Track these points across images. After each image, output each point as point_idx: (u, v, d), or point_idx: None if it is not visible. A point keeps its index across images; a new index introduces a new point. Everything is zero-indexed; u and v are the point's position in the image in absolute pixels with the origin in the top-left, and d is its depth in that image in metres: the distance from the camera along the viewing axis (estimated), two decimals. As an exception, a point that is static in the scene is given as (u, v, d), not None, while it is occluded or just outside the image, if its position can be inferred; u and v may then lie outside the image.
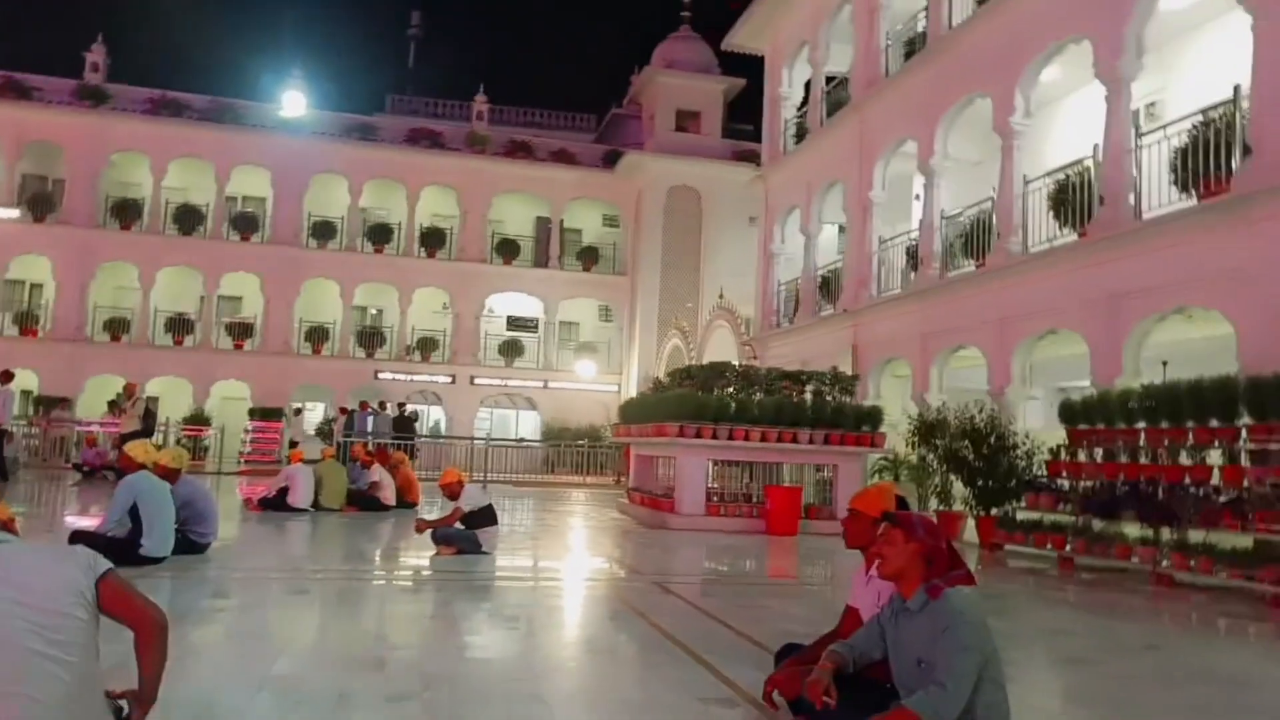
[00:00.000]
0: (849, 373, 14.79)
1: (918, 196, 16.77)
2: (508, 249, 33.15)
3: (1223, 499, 8.00)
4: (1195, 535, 8.16)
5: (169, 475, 7.04)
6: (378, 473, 11.94)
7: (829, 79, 20.49)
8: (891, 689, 3.10)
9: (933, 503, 11.89)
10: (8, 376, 15.10)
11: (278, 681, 4.11)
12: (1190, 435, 8.48)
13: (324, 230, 31.81)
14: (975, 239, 14.37)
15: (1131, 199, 11.14)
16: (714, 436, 11.80)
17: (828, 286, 19.73)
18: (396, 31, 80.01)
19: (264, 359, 30.26)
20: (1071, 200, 12.10)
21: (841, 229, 19.90)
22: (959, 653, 2.86)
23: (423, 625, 5.84)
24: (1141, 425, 9.05)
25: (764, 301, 22.81)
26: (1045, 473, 10.45)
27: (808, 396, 12.70)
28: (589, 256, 33.93)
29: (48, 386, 27.48)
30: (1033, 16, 13.18)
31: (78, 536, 6.60)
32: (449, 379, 31.77)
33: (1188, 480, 8.40)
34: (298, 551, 9.15)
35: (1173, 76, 13.07)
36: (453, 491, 8.34)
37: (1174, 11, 12.06)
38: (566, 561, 9.30)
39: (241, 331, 30.73)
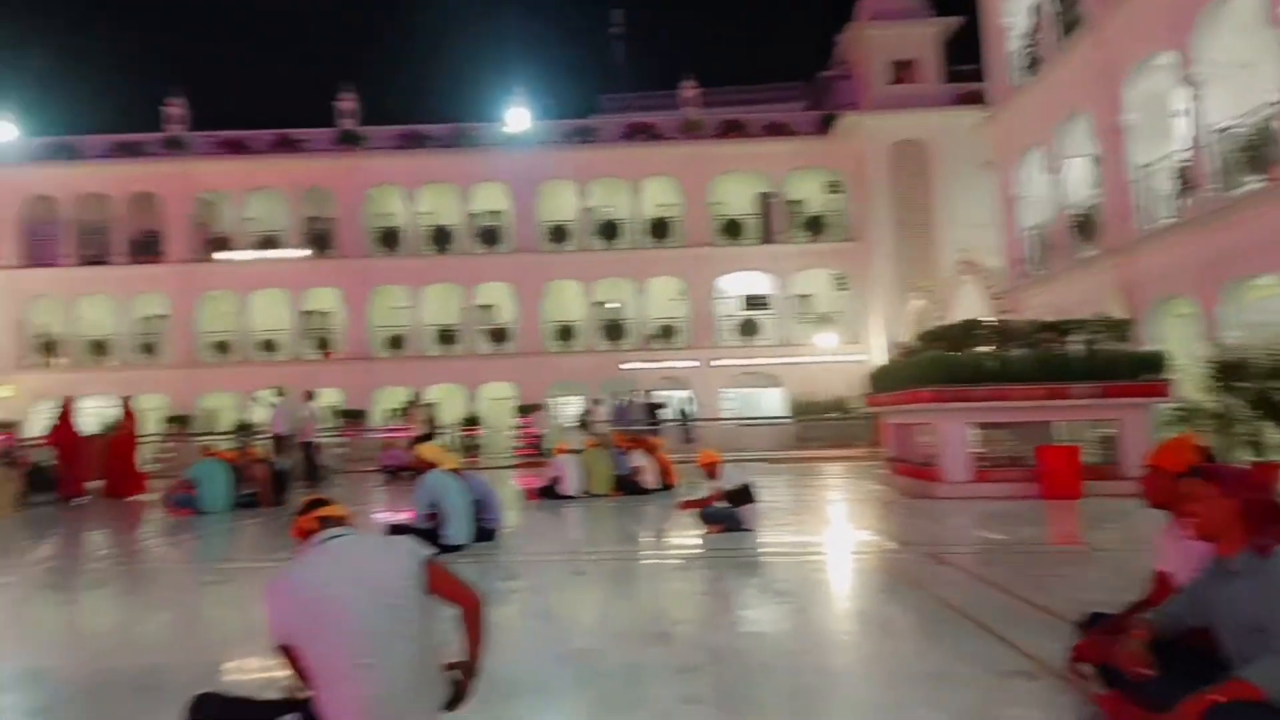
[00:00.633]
0: (1119, 317, 13.49)
1: (1180, 112, 14.97)
2: (732, 229, 33.29)
3: None
4: None
5: (452, 471, 7.79)
6: (639, 458, 12.46)
7: (1060, -1, 18.76)
8: (1214, 658, 2.85)
9: (1242, 453, 10.59)
10: (309, 395, 17.34)
11: (575, 655, 4.45)
12: None
13: (559, 234, 33.57)
14: (1260, 150, 12.61)
15: None
16: (973, 399, 11.23)
17: (1083, 226, 18.11)
18: (599, 32, 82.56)
19: (521, 360, 32.46)
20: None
21: (1092, 161, 18.16)
22: (1301, 617, 2.58)
23: (698, 601, 6.06)
24: None
25: (1010, 251, 21.34)
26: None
27: (1075, 347, 11.73)
28: (815, 227, 33.31)
29: (348, 401, 31.09)
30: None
31: (396, 529, 7.47)
32: (692, 363, 32.45)
33: None
34: (574, 535, 9.78)
35: None
36: (712, 471, 8.57)
37: None
38: (830, 535, 9.25)
39: (499, 337, 33.18)
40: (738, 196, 33.78)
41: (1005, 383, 11.29)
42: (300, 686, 2.82)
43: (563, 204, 33.53)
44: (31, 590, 7.09)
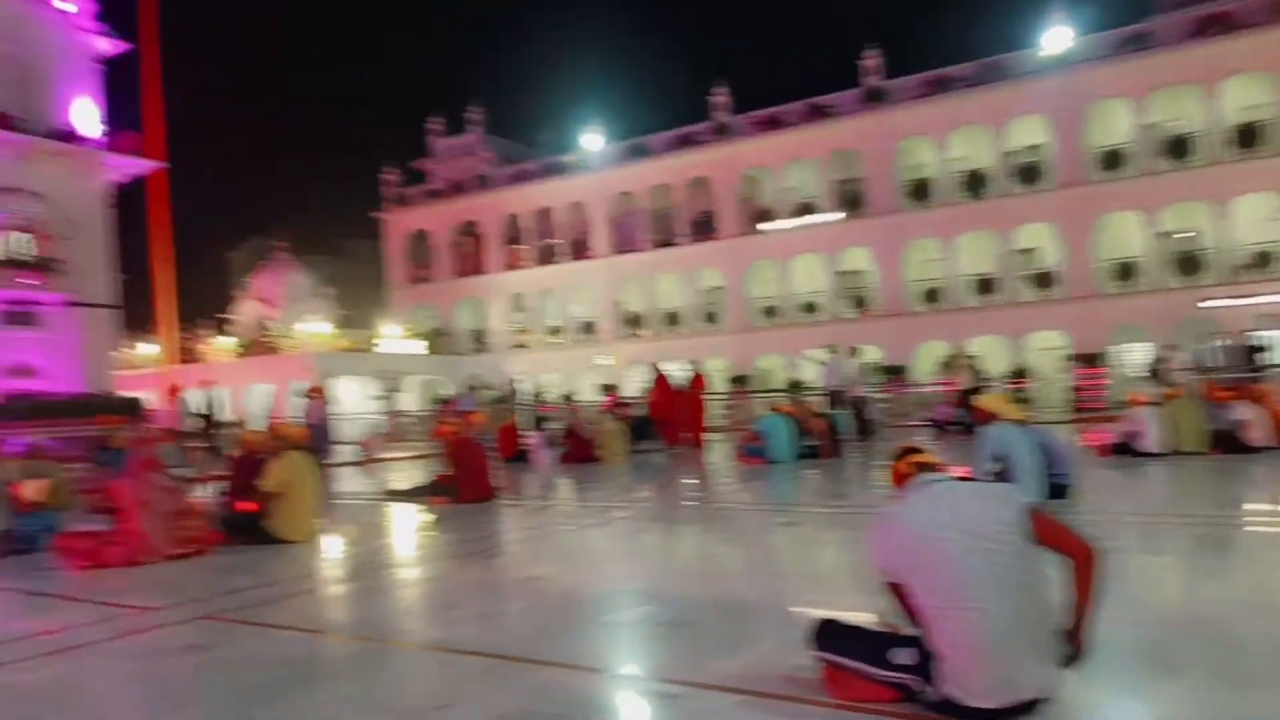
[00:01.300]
0: None
1: None
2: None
3: None
4: None
5: (1016, 424, 7.40)
6: (1243, 409, 10.57)
7: None
8: None
9: None
10: (853, 352, 17.97)
11: (1169, 622, 3.95)
12: None
13: (1112, 160, 29.79)
14: None
15: None
16: None
17: None
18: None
19: (1071, 306, 29.69)
20: None
21: None
22: None
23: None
24: None
25: None
26: None
27: None
28: None
29: (887, 357, 31.61)
30: None
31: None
32: (1299, 296, 26.51)
33: None
34: (1158, 494, 8.71)
35: None
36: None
37: None
38: None
39: (1043, 282, 30.74)
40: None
41: None
42: (907, 622, 2.96)
43: (1115, 125, 29.67)
44: (641, 522, 8.52)
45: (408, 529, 8.57)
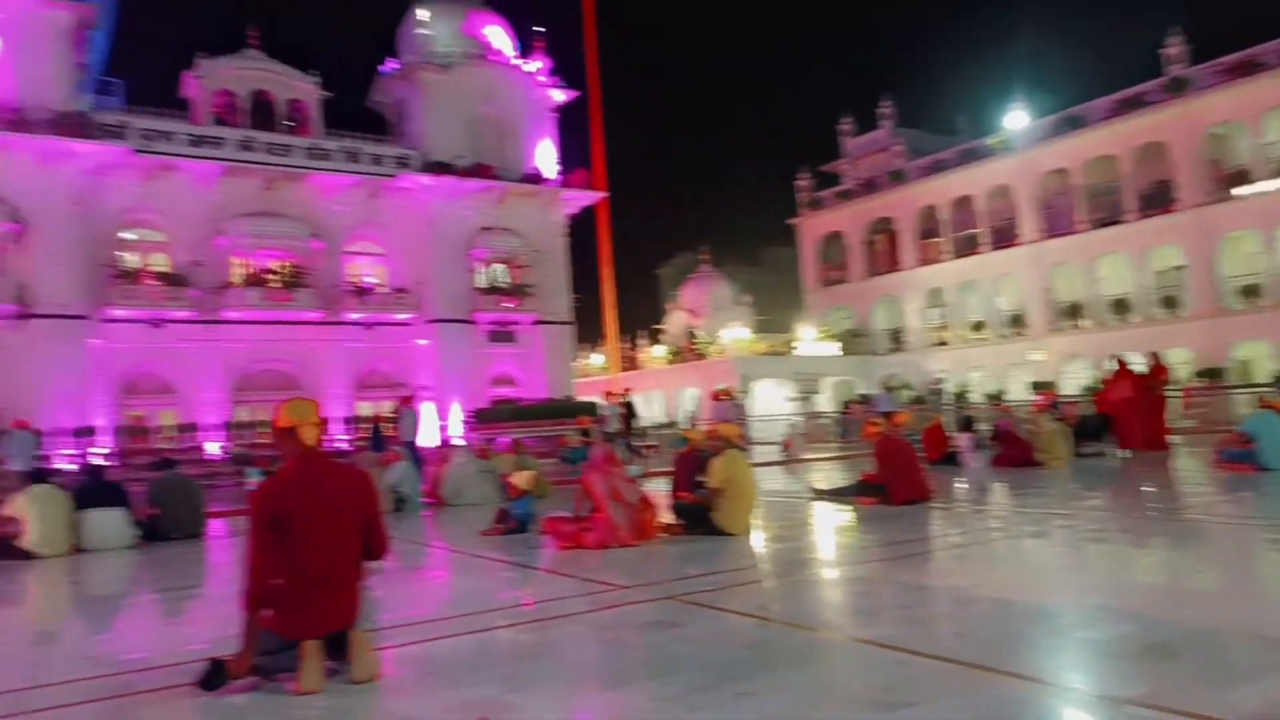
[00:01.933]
0: None
1: None
2: None
3: None
4: None
5: None
6: None
7: None
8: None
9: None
10: None
11: None
12: None
13: None
14: None
15: None
16: None
17: None
18: None
19: None
20: None
21: None
22: None
23: None
24: None
25: None
26: None
27: None
28: None
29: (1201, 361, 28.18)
30: None
31: None
32: None
33: None
34: None
35: None
36: None
37: None
38: None
39: None
40: None
41: None
42: None
43: None
44: (1091, 532, 7.60)
45: (836, 528, 8.62)
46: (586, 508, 7.63)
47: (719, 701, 3.33)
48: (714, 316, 42.59)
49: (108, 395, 25.29)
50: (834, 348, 41.37)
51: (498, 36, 32.76)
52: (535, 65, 32.99)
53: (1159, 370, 15.79)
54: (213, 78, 28.15)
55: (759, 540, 7.70)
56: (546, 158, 32.90)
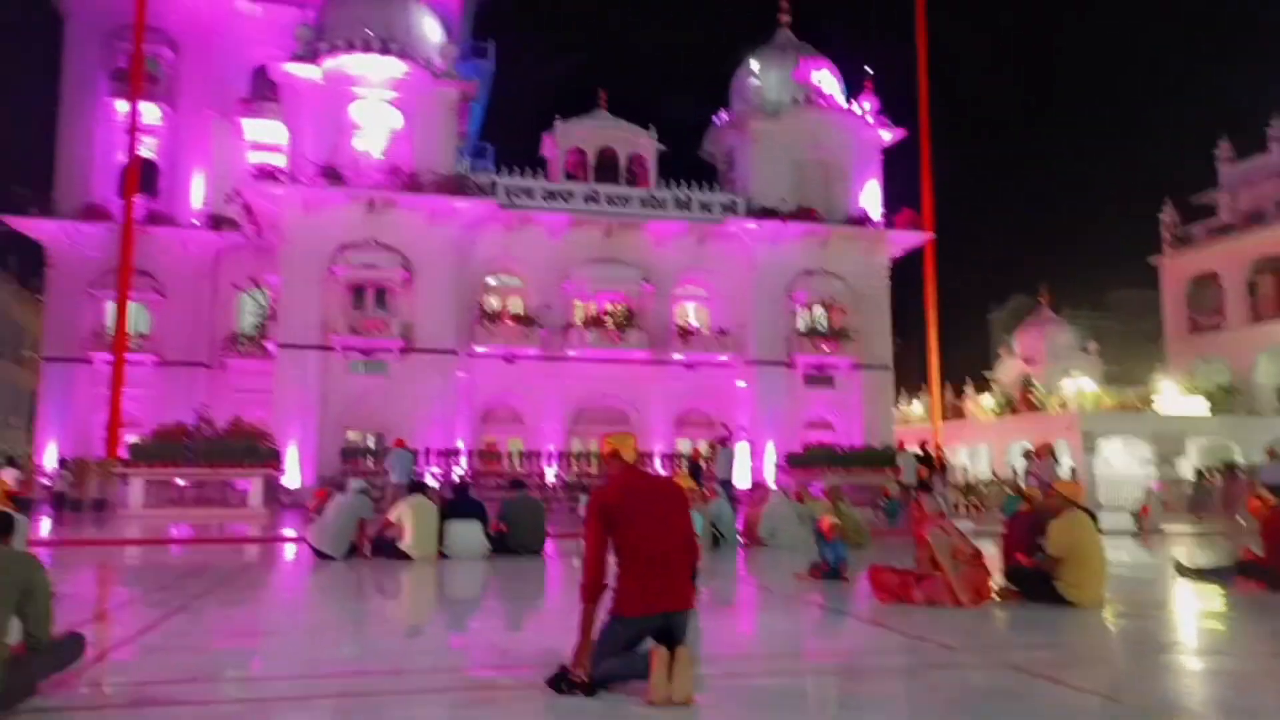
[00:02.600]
0: None
1: None
2: None
3: None
4: None
5: None
6: None
7: None
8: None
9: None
10: None
11: None
12: None
13: None
14: None
15: None
16: None
17: None
18: None
19: None
20: None
21: None
22: None
23: None
24: None
25: None
26: None
27: None
28: None
29: None
30: None
31: None
32: None
33: None
34: None
35: None
36: None
37: None
38: None
39: None
40: None
41: None
42: None
43: None
44: None
45: (1207, 611, 7.46)
46: (920, 562, 7.26)
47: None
48: (1053, 365, 39.03)
49: (468, 421, 28.66)
50: (1201, 405, 36.08)
51: (827, 81, 32.99)
52: (864, 106, 32.77)
53: None
54: (567, 138, 31.21)
55: (1110, 615, 6.89)
56: (872, 199, 32.43)
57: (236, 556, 12.22)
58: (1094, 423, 34.40)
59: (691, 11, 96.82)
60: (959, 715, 4.06)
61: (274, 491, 21.99)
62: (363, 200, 27.16)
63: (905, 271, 34.05)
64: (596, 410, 30.20)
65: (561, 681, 4.06)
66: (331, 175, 27.02)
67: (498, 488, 22.28)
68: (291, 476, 24.80)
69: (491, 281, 30.38)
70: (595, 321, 29.53)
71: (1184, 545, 14.17)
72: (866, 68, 33.31)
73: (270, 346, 27.81)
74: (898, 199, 32.98)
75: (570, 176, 30.69)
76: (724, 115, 33.45)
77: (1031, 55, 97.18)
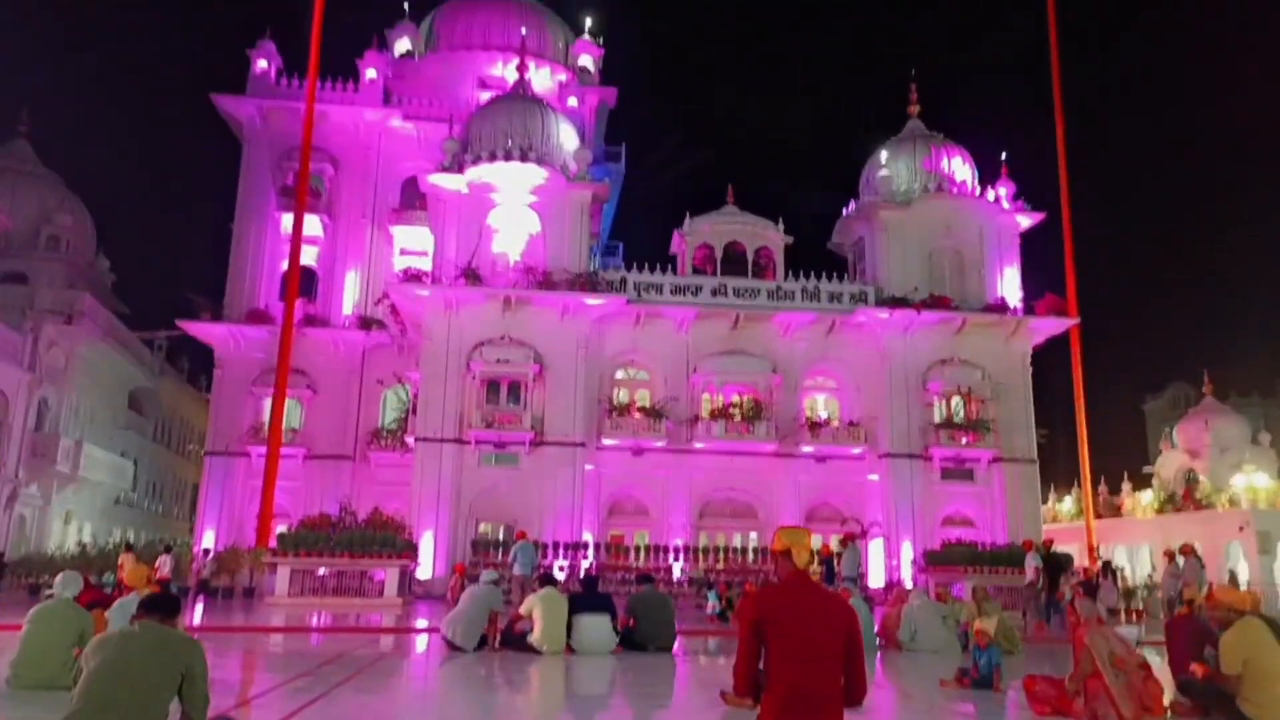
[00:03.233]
0: None
1: None
2: None
3: None
4: None
5: None
6: None
7: None
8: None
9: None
10: None
11: None
12: None
13: None
14: None
15: None
16: None
17: None
18: None
19: None
20: None
21: None
22: None
23: None
24: None
25: None
26: None
27: None
28: None
29: None
30: None
31: None
32: None
33: None
34: None
35: None
36: None
37: None
38: None
39: None
40: None
41: None
42: None
43: None
44: None
45: None
46: (1077, 668, 6.69)
47: None
48: (1220, 458, 36.07)
49: (595, 514, 28.75)
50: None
51: (958, 168, 32.56)
52: (999, 191, 32.10)
53: None
54: (695, 233, 31.80)
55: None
56: (1010, 285, 31.39)
57: (373, 646, 12.50)
58: (1271, 520, 31.38)
59: (821, 106, 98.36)
60: None
61: (408, 582, 22.51)
62: (499, 299, 28.31)
63: (1050, 360, 32.55)
64: (724, 503, 29.77)
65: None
66: (471, 276, 28.38)
67: (624, 582, 22.13)
68: (425, 568, 25.39)
69: (620, 375, 30.84)
70: (722, 413, 29.39)
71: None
72: (1002, 154, 32.78)
73: (409, 440, 28.95)
74: (1040, 284, 31.81)
75: (698, 271, 31.14)
76: (853, 206, 33.43)
77: (1182, 126, 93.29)
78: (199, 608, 18.33)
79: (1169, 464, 38.62)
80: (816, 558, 19.75)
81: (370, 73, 35.81)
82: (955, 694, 7.88)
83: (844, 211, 33.66)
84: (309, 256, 33.41)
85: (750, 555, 26.25)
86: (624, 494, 29.80)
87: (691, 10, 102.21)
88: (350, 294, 34.47)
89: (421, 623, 15.52)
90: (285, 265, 31.63)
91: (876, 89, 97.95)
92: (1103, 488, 38.43)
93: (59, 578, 7.71)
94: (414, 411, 29.18)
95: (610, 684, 9.12)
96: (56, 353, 32.35)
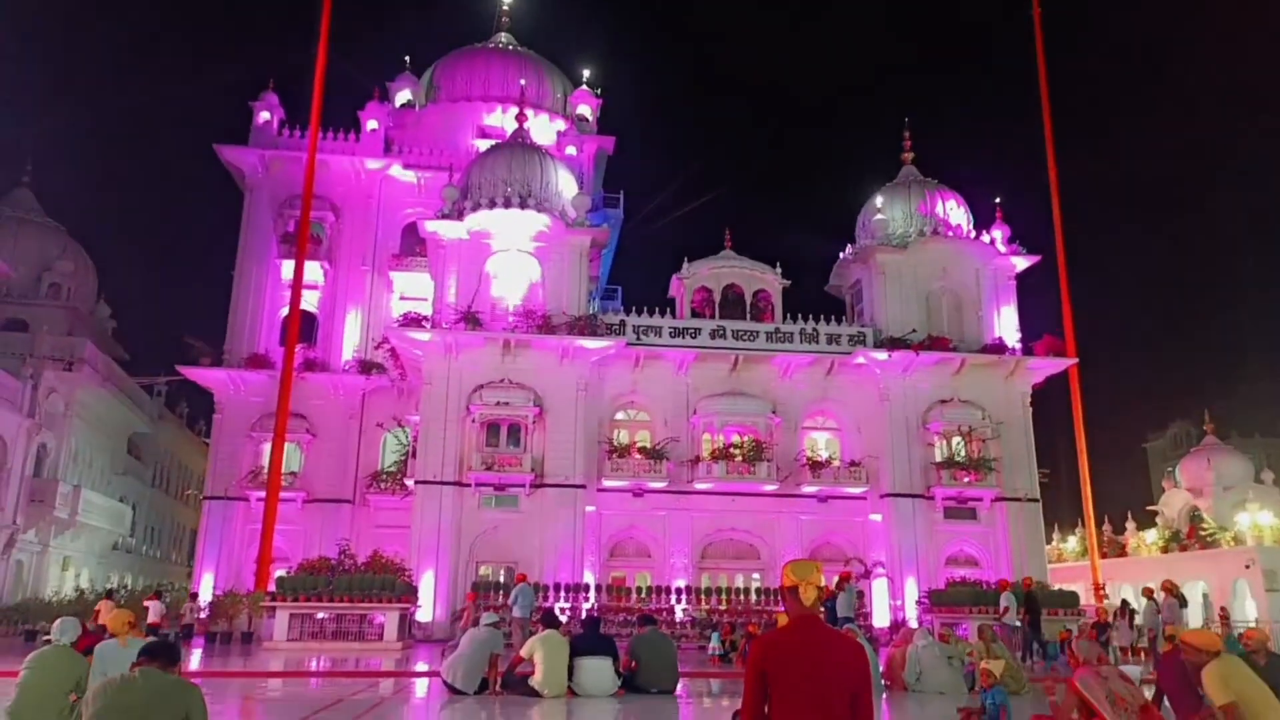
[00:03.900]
0: None
1: None
2: None
3: None
4: None
5: None
6: None
7: None
8: None
9: None
10: None
11: None
12: None
13: None
14: None
15: None
16: None
17: None
18: None
19: None
20: None
21: None
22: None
23: None
24: None
25: None
26: None
27: None
28: None
29: None
30: None
31: None
32: None
33: None
34: None
35: None
36: None
37: None
38: None
39: None
40: None
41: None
42: None
43: None
44: None
45: None
46: (1056, 709, 6.66)
47: None
48: (1224, 497, 35.90)
49: (596, 555, 28.54)
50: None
51: (953, 212, 32.89)
52: (993, 235, 32.41)
53: None
54: (693, 277, 32.01)
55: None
56: (1008, 326, 31.54)
57: (372, 690, 12.37)
58: (1277, 558, 31.17)
59: (817, 153, 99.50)
60: None
61: (408, 625, 22.29)
62: (499, 342, 28.40)
63: (1050, 399, 32.61)
64: (725, 544, 29.59)
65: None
66: (471, 320, 28.50)
67: (626, 623, 21.93)
68: (425, 610, 25.15)
69: (620, 416, 30.82)
70: (723, 454, 29.33)
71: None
72: (996, 198, 33.16)
73: (409, 482, 28.85)
74: (1039, 325, 31.99)
75: (696, 314, 31.28)
76: (850, 249, 33.69)
77: (1174, 165, 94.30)
78: (197, 653, 18.12)
79: (1172, 502, 38.41)
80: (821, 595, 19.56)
81: (371, 123, 36.36)
82: (961, 734, 7.80)
83: (841, 255, 33.92)
84: (309, 302, 33.60)
85: (753, 596, 26.01)
86: (625, 535, 29.63)
87: (688, 61, 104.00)
88: (350, 339, 34.59)
89: (422, 666, 15.36)
90: (285, 311, 31.80)
91: (871, 136, 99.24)
92: (1106, 526, 38.20)
93: (56, 623, 7.66)
94: (414, 454, 29.13)
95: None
96: (56, 399, 32.39)
